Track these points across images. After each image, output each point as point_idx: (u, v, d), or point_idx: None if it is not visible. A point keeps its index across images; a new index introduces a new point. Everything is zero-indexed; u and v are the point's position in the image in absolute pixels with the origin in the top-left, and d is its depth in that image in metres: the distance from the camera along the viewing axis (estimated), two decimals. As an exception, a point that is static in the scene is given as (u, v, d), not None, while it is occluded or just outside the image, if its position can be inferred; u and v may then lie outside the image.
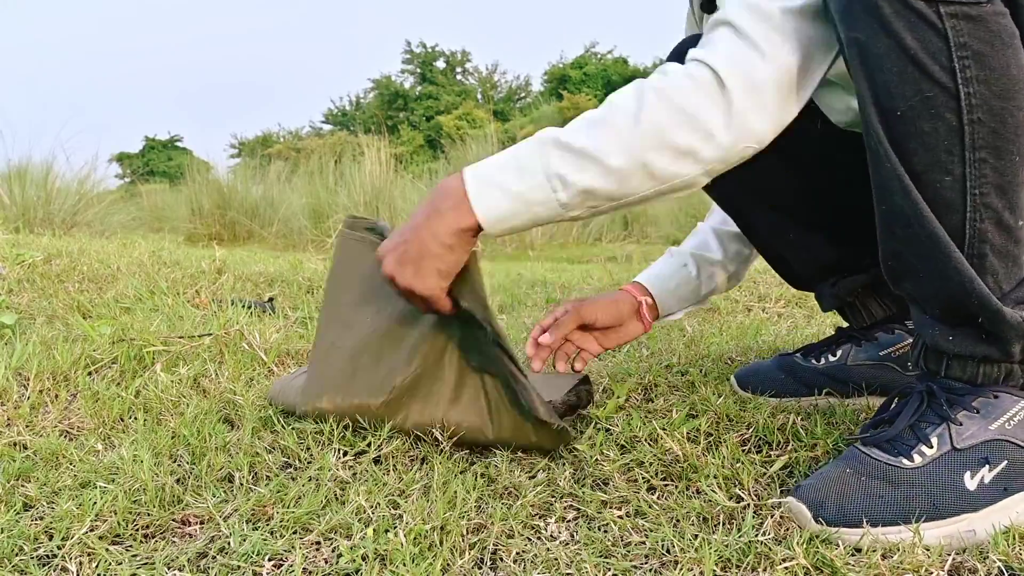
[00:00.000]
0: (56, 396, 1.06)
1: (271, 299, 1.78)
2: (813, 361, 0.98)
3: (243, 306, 1.58)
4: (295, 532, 0.69)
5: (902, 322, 0.95)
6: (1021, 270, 0.65)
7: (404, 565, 0.62)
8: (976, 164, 0.61)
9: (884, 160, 0.63)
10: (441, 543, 0.66)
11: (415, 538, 0.66)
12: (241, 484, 0.79)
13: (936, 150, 0.61)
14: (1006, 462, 0.64)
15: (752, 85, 0.66)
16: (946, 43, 0.59)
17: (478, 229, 0.71)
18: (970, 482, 0.63)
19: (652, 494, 0.74)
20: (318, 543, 0.68)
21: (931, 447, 0.65)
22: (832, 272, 0.96)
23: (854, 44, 0.63)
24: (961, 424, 0.65)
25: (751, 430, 0.84)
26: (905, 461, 0.64)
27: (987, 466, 0.64)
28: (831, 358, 0.97)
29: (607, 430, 0.90)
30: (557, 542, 0.66)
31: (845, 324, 1.02)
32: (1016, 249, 0.64)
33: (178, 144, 25.07)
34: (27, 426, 0.96)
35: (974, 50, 0.59)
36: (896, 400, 0.71)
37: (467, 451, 0.86)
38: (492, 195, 0.70)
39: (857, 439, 0.68)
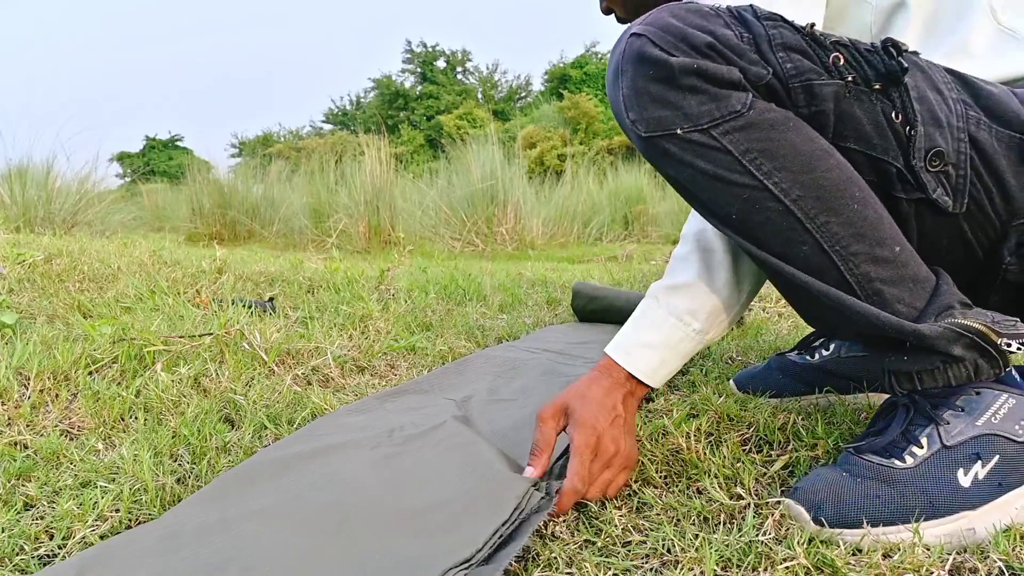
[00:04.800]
0: (57, 395, 1.06)
1: (271, 299, 1.78)
2: (808, 358, 0.98)
3: (244, 306, 1.58)
4: (296, 531, 0.69)
5: None
6: (927, 284, 0.67)
7: (405, 564, 0.62)
8: (822, 228, 0.66)
9: (750, 252, 0.70)
10: (442, 542, 0.66)
11: (416, 537, 0.66)
12: (242, 483, 0.79)
13: (781, 233, 0.67)
14: (998, 456, 0.64)
15: None
16: (731, 155, 0.65)
17: (645, 386, 0.79)
18: (964, 479, 0.63)
19: (653, 493, 0.74)
20: (319, 542, 0.68)
21: (922, 447, 0.65)
22: None
23: (669, 179, 0.71)
24: (948, 423, 0.66)
25: (752, 429, 0.84)
26: (898, 462, 0.65)
27: (979, 462, 0.64)
28: (824, 353, 0.98)
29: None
30: (557, 541, 0.66)
31: None
32: (907, 271, 0.67)
33: (179, 144, 25.05)
34: (28, 425, 0.96)
35: (758, 150, 0.65)
36: (883, 415, 0.72)
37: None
38: (641, 355, 0.78)
39: (851, 447, 0.69)
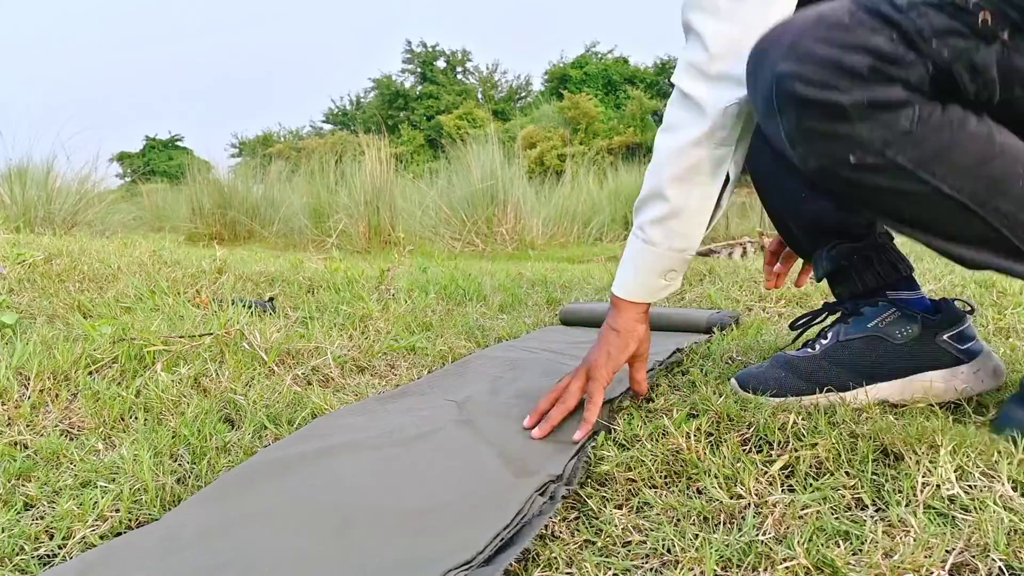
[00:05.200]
0: (57, 395, 1.06)
1: (271, 299, 1.78)
2: (808, 350, 0.99)
3: (244, 306, 1.58)
4: (296, 531, 0.69)
5: (885, 293, 0.97)
6: None
7: (405, 564, 0.62)
8: (992, 211, 0.68)
9: (916, 238, 0.73)
10: (442, 542, 0.66)
11: (416, 537, 0.66)
12: (242, 483, 0.79)
13: (953, 222, 0.70)
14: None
15: (700, 70, 0.80)
16: (905, 170, 0.66)
17: (635, 306, 0.92)
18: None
19: (653, 493, 0.74)
20: (319, 542, 0.68)
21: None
22: (832, 236, 1.00)
23: (836, 194, 0.81)
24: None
25: (752, 429, 0.84)
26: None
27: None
28: (824, 342, 0.98)
29: (608, 429, 0.90)
30: (557, 541, 0.66)
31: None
32: None
33: (179, 144, 25.06)
34: (28, 425, 0.96)
35: (930, 158, 0.66)
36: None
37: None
38: (620, 280, 0.92)
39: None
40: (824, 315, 1.03)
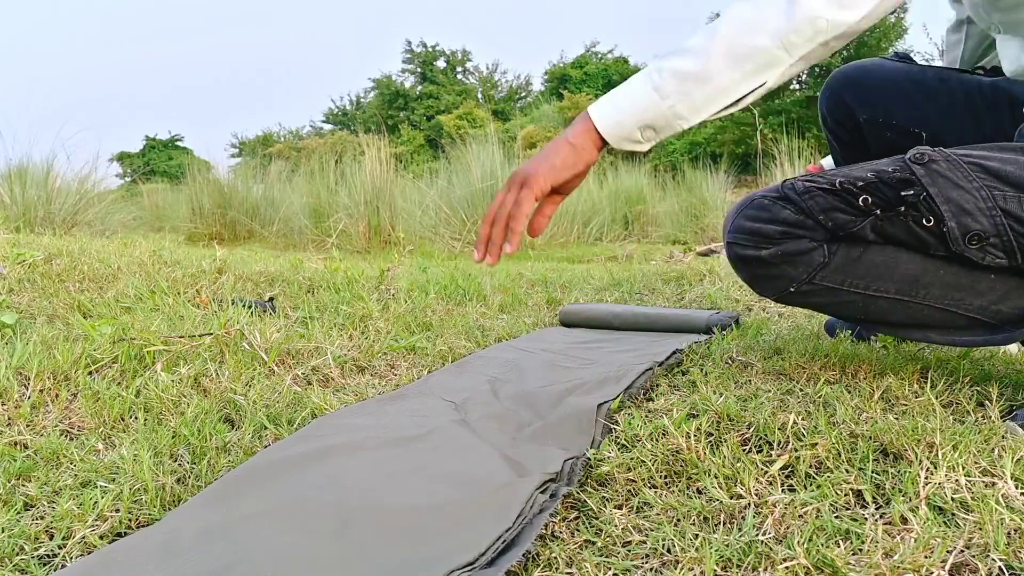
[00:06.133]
0: (57, 395, 1.06)
1: (271, 299, 1.78)
2: None
3: (244, 306, 1.58)
4: (296, 531, 0.69)
5: None
6: None
7: (405, 564, 0.62)
8: (926, 297, 0.88)
9: (883, 331, 0.98)
10: (442, 542, 0.66)
11: (416, 537, 0.66)
12: (242, 483, 0.79)
13: (901, 311, 0.91)
14: None
15: None
16: (834, 287, 0.91)
17: (598, 136, 0.85)
18: None
19: (653, 493, 0.74)
20: (319, 542, 0.68)
21: None
22: None
23: (802, 305, 0.98)
24: None
25: (752, 430, 0.84)
26: None
27: None
28: None
29: (608, 429, 0.90)
30: (557, 541, 0.66)
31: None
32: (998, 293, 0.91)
33: (179, 143, 25.06)
34: (28, 425, 0.96)
35: (851, 277, 0.89)
36: None
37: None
38: (603, 104, 0.86)
39: None
40: None
